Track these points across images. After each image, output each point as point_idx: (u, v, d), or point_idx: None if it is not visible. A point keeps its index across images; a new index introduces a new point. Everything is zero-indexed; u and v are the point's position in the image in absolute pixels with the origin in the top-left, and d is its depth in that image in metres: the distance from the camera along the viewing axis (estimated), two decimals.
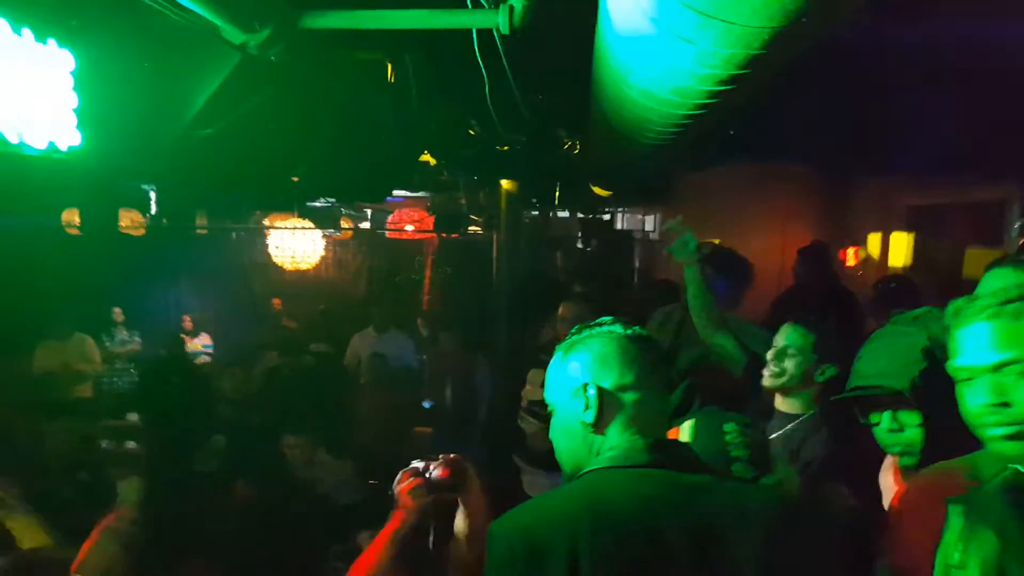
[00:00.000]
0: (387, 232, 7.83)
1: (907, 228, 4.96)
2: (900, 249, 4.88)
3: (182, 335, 7.46)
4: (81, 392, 5.95)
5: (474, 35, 2.57)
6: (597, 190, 5.45)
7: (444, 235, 6.78)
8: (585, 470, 1.21)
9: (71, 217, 8.39)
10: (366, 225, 8.55)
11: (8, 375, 5.32)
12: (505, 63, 2.73)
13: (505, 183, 4.67)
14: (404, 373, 5.43)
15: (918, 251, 4.86)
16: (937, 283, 4.17)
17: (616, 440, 1.20)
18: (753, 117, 3.24)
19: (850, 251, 5.34)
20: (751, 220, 5.42)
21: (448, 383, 4.73)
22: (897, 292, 3.32)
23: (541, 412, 1.73)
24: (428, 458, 1.56)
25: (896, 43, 3.08)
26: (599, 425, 1.21)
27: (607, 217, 7.25)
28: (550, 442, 1.30)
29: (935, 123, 3.23)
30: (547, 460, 1.46)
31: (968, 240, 4.28)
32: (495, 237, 4.72)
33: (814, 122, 3.58)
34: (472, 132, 4.48)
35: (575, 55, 3.23)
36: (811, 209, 5.55)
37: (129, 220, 8.68)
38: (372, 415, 4.60)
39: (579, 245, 6.81)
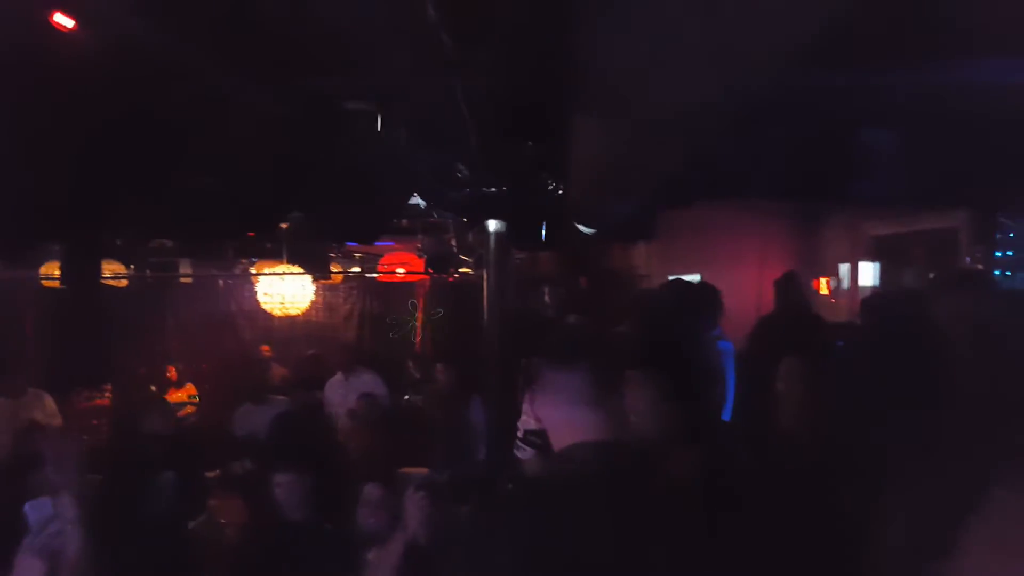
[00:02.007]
0: (377, 276, 7.93)
1: (873, 257, 5.24)
2: (867, 277, 5.15)
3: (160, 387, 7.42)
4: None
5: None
6: (581, 228, 5.64)
7: (435, 276, 6.90)
8: None
9: (51, 270, 8.41)
10: (356, 270, 8.65)
11: None
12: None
13: (493, 223, 4.81)
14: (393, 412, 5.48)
15: (884, 278, 5.13)
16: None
17: None
18: (727, 154, 3.44)
19: (822, 280, 5.57)
20: (729, 254, 5.63)
21: (444, 420, 4.79)
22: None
23: (536, 441, 1.84)
24: None
25: (855, 86, 3.32)
26: None
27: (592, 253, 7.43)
28: (544, 469, 1.41)
29: (893, 158, 3.46)
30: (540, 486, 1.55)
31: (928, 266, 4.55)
32: (484, 277, 4.83)
33: (784, 158, 3.80)
34: (460, 175, 4.64)
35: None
36: (785, 242, 5.79)
37: (111, 271, 8.72)
38: (363, 457, 4.62)
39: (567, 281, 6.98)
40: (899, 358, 2.19)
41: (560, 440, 1.39)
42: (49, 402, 5.92)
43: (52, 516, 1.67)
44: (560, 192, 4.74)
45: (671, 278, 3.44)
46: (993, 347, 1.96)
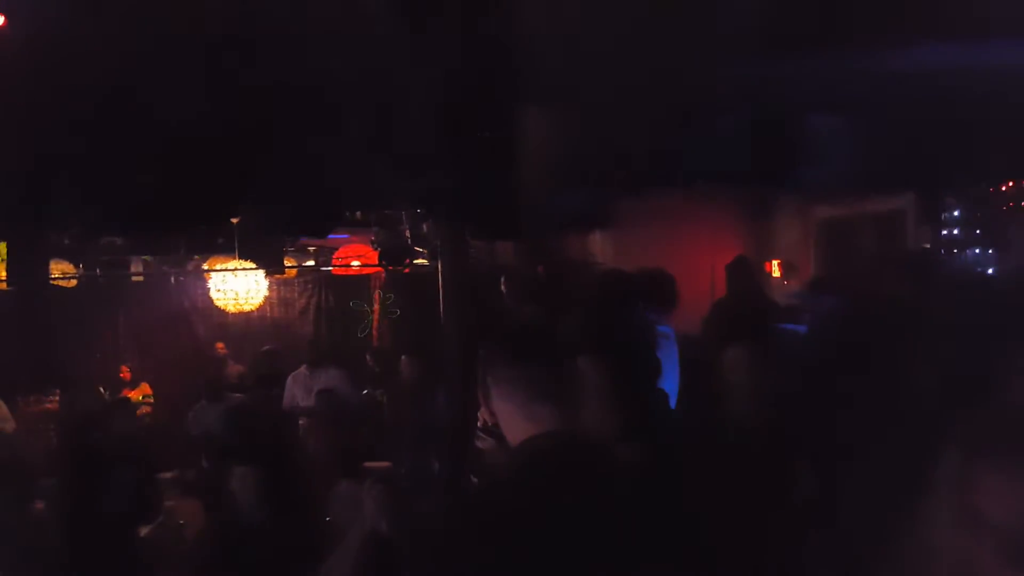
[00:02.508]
0: (332, 268, 7.84)
1: (822, 240, 5.39)
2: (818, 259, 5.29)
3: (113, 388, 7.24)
4: None
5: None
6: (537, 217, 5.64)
7: (390, 268, 6.86)
8: None
9: None
10: (311, 263, 8.54)
11: None
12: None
13: (445, 214, 4.80)
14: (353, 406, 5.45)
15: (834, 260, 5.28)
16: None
17: None
18: (678, 143, 3.49)
19: (774, 263, 5.71)
20: (682, 242, 5.71)
21: (407, 411, 4.78)
22: None
23: (496, 431, 1.86)
24: None
25: (802, 73, 3.39)
26: None
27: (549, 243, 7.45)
28: (503, 457, 1.42)
29: (839, 144, 3.55)
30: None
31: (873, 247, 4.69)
32: (439, 268, 4.81)
33: (734, 146, 3.87)
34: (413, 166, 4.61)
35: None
36: (737, 228, 5.90)
37: (60, 271, 8.45)
38: (323, 453, 4.58)
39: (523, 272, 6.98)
40: (843, 340, 2.26)
41: (514, 434, 1.41)
42: (2, 407, 5.77)
43: None
44: (514, 182, 4.75)
45: (612, 267, 3.48)
46: (937, 326, 2.01)
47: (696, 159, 4.09)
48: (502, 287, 5.85)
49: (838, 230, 5.61)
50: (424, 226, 6.19)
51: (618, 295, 2.83)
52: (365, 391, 6.58)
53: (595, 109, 3.84)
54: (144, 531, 3.65)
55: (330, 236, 7.55)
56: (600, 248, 6.76)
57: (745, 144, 3.82)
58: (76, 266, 8.76)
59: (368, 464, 4.40)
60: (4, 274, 7.68)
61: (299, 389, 6.18)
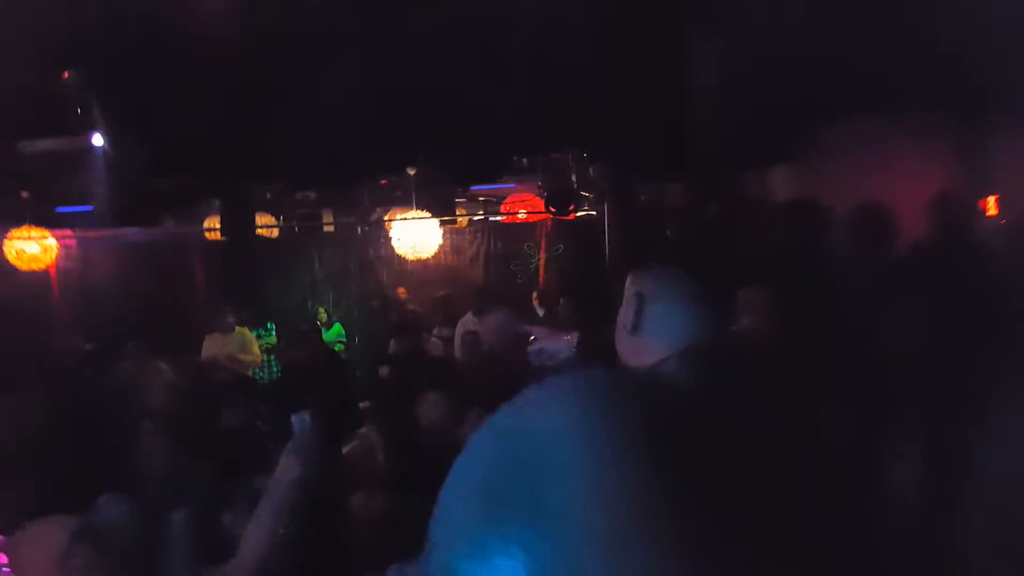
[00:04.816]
0: (501, 218, 8.06)
1: None
2: None
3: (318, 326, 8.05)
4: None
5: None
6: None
7: (556, 215, 6.91)
8: None
9: (212, 223, 9.29)
10: (481, 213, 8.83)
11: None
12: None
13: (611, 156, 4.73)
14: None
15: None
16: None
17: None
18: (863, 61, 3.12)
19: (990, 199, 4.99)
20: (887, 175, 5.14)
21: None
22: None
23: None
24: None
25: None
26: None
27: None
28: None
29: None
30: None
31: None
32: (606, 214, 4.79)
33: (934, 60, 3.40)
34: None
35: None
36: (944, 159, 5.20)
37: (264, 222, 9.50)
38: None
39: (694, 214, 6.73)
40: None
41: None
42: (251, 338, 6.70)
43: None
44: (682, 118, 4.55)
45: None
46: None
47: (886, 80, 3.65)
48: (667, 232, 5.69)
49: None
50: (591, 170, 6.14)
51: (809, 229, 2.63)
52: (532, 336, 6.75)
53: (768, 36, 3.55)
54: (345, 449, 4.08)
55: (499, 186, 7.74)
56: (785, 185, 6.31)
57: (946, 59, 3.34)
58: (276, 218, 9.80)
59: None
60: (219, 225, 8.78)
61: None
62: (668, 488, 0.46)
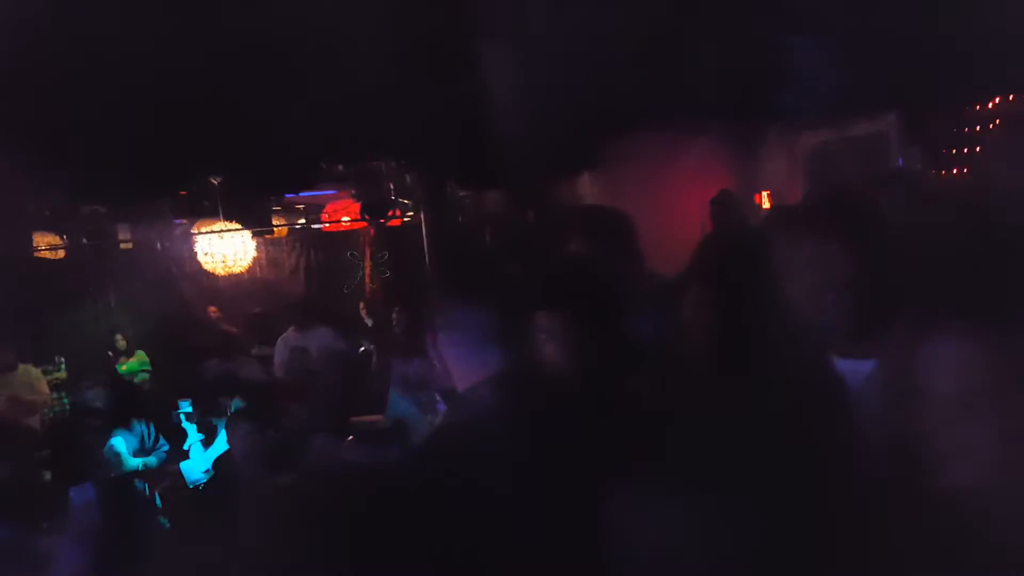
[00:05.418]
0: (322, 226, 7.74)
1: (807, 168, 5.30)
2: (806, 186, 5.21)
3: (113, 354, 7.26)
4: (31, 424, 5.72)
5: None
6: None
7: (373, 222, 6.75)
8: None
9: None
10: (301, 222, 8.43)
11: None
12: None
13: (428, 162, 4.70)
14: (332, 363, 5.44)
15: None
16: None
17: None
18: (656, 80, 3.36)
19: (763, 195, 5.63)
20: (667, 181, 5.61)
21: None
22: None
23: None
24: None
25: None
26: None
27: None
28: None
29: (819, 66, 3.42)
30: None
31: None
32: (423, 220, 4.74)
33: (713, 79, 3.74)
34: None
35: None
36: (722, 161, 5.80)
37: (46, 243, 8.36)
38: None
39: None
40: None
41: (464, 380, 1.36)
42: (38, 376, 5.87)
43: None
44: (496, 128, 4.62)
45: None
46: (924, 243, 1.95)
47: (672, 94, 3.96)
48: (487, 236, 5.78)
49: (823, 156, 5.50)
50: (407, 177, 6.07)
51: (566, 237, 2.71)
52: (362, 347, 6.56)
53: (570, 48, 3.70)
54: None
55: (317, 193, 7.43)
56: (589, 191, 6.65)
57: (724, 73, 3.69)
58: (60, 237, 8.68)
59: (359, 418, 4.40)
60: None
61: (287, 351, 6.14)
62: None
